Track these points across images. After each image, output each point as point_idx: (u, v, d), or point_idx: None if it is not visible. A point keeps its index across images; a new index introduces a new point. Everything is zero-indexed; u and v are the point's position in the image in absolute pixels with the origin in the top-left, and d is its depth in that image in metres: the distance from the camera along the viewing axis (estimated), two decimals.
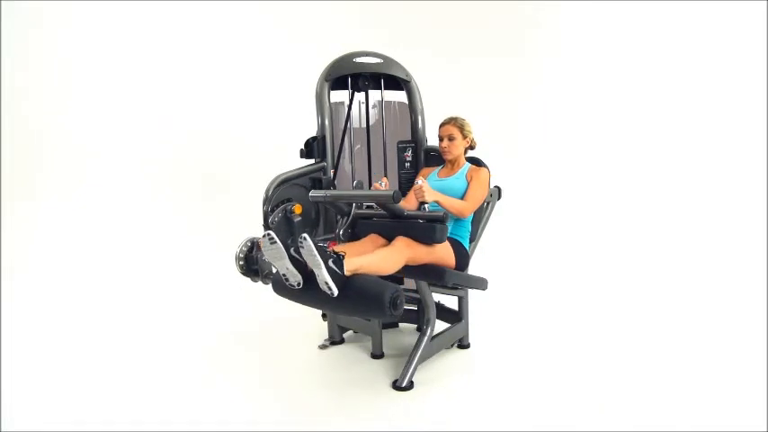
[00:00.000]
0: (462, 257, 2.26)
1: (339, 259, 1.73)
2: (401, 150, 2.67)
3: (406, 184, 2.65)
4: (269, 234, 1.71)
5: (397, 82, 2.67)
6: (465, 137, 2.38)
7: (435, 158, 2.60)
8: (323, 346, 2.60)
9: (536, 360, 2.39)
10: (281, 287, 1.89)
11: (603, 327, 2.80)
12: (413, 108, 2.69)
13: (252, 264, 2.00)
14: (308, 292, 1.79)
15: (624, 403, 1.97)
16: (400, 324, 2.85)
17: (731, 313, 2.95)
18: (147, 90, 4.37)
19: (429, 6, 4.46)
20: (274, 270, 1.89)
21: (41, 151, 4.30)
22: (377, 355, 2.45)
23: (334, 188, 2.48)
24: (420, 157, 2.69)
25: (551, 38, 4.50)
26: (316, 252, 1.66)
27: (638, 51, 4.37)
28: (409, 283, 2.54)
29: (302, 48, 4.35)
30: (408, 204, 2.31)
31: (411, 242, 2.00)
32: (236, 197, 4.02)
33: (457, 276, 2.20)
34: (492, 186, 2.45)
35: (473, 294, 2.53)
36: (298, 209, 2.18)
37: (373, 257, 1.87)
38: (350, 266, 1.76)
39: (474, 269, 2.44)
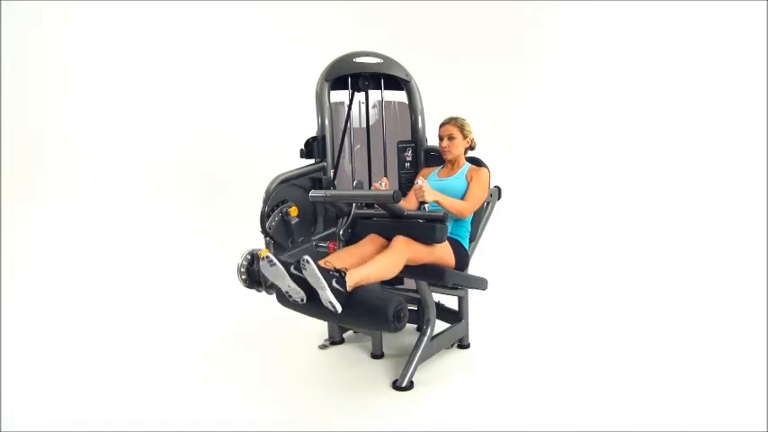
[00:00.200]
0: (462, 257, 2.26)
1: (342, 278, 1.73)
2: (401, 150, 2.67)
3: (406, 184, 2.65)
4: (268, 257, 1.70)
5: (397, 82, 2.67)
6: (465, 137, 2.38)
7: (435, 158, 2.60)
8: (323, 346, 2.60)
9: (536, 360, 2.39)
10: (285, 300, 1.89)
11: (603, 327, 2.80)
12: (413, 108, 2.69)
13: (254, 276, 1.99)
14: (312, 306, 1.79)
15: (624, 403, 1.97)
16: None
17: (731, 313, 2.95)
18: (146, 90, 4.37)
19: (429, 6, 4.46)
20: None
21: (41, 151, 4.30)
22: (377, 355, 2.45)
23: (334, 188, 2.48)
24: (420, 157, 2.69)
25: (551, 38, 4.50)
26: (319, 275, 1.66)
27: (638, 51, 4.37)
28: (409, 283, 2.53)
29: (302, 48, 4.35)
30: (408, 204, 2.31)
31: (410, 241, 2.00)
32: (236, 197, 4.02)
33: (457, 276, 2.20)
34: (492, 186, 2.45)
35: (473, 294, 2.53)
36: (294, 211, 2.17)
37: (373, 267, 1.86)
38: (352, 281, 1.76)
39: (474, 269, 2.44)
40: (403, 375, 2.15)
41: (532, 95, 4.51)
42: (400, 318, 1.75)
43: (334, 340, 2.64)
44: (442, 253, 2.14)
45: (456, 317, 2.52)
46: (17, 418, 1.98)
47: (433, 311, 2.31)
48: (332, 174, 2.52)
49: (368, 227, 2.16)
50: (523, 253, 4.09)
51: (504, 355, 2.45)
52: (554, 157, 4.46)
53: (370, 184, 2.68)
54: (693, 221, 4.15)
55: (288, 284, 1.74)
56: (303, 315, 1.99)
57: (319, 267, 1.68)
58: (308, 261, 1.65)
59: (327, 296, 1.68)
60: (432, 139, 2.65)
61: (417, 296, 2.41)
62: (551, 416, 1.90)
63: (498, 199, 2.54)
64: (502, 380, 2.20)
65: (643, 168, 4.36)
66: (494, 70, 4.42)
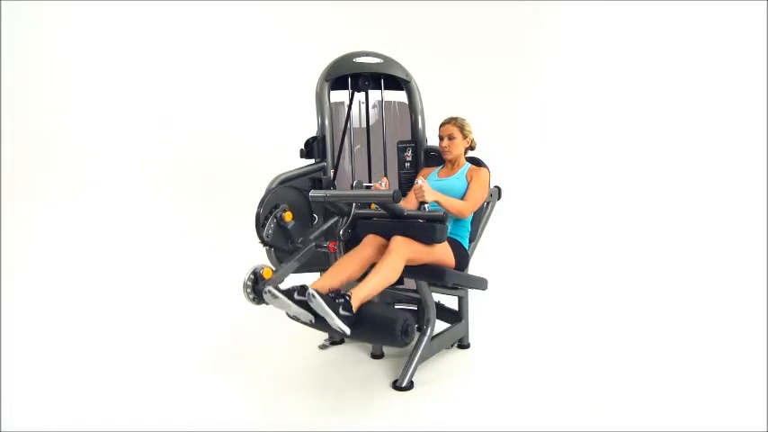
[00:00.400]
0: (462, 257, 2.26)
1: (347, 303, 1.77)
2: (401, 150, 2.67)
3: (406, 184, 2.65)
4: (270, 291, 1.77)
5: (397, 82, 2.67)
6: (465, 137, 2.39)
7: (435, 158, 2.60)
8: (323, 346, 2.60)
9: (536, 360, 2.39)
10: (295, 318, 1.93)
11: (603, 327, 2.80)
12: (413, 108, 2.69)
13: (261, 293, 2.01)
14: (321, 323, 1.83)
15: (624, 403, 1.97)
16: None
17: (731, 313, 2.95)
18: (147, 90, 4.38)
19: (429, 6, 4.46)
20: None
21: (41, 151, 4.30)
22: (377, 355, 2.45)
23: (335, 188, 2.48)
24: (420, 157, 2.69)
25: (551, 38, 4.50)
26: (326, 307, 1.71)
27: (638, 51, 4.37)
28: (409, 283, 2.53)
29: (302, 48, 4.35)
30: (408, 204, 2.31)
31: (408, 241, 2.00)
32: (236, 197, 4.00)
33: (457, 276, 2.20)
34: (492, 186, 2.45)
35: (473, 294, 2.53)
36: (288, 216, 2.17)
37: (375, 279, 1.88)
38: (357, 301, 1.80)
39: (474, 269, 2.44)
40: (403, 375, 2.14)
41: (532, 95, 4.51)
42: (407, 333, 1.80)
43: (334, 340, 2.64)
44: (442, 253, 2.14)
45: (456, 317, 2.52)
46: (17, 418, 1.98)
47: (433, 311, 2.31)
48: (332, 174, 2.52)
49: (368, 227, 2.16)
50: (523, 253, 4.10)
51: (504, 355, 2.45)
52: (554, 157, 4.46)
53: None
54: (693, 221, 4.16)
55: (294, 311, 1.80)
56: None
57: (324, 297, 1.72)
58: (313, 296, 1.70)
59: (336, 324, 1.73)
60: (432, 139, 2.65)
61: (417, 296, 2.41)
62: (551, 416, 1.90)
63: (498, 199, 2.54)
64: (502, 380, 2.20)
65: (643, 168, 4.36)
66: (494, 70, 4.42)
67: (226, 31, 4.45)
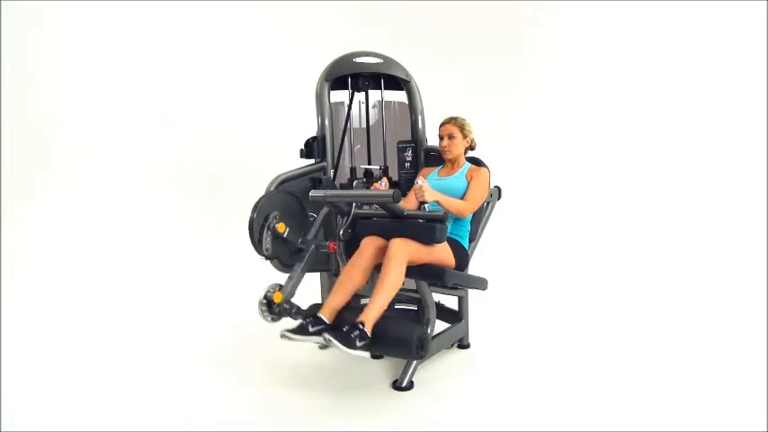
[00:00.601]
0: (462, 257, 2.26)
1: (362, 332, 1.82)
2: (401, 150, 2.67)
3: (406, 184, 2.65)
4: (285, 336, 1.89)
5: (397, 82, 2.67)
6: (465, 136, 2.38)
7: (435, 158, 2.60)
8: (323, 347, 2.58)
9: (536, 360, 2.39)
10: None
11: (603, 327, 2.80)
12: (413, 108, 2.69)
13: (277, 312, 2.11)
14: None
15: (624, 403, 1.97)
16: None
17: (731, 313, 2.95)
18: (147, 90, 4.37)
19: (429, 6, 4.46)
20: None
21: (41, 151, 4.30)
22: (377, 355, 2.45)
23: (335, 188, 2.48)
24: (420, 157, 2.69)
25: (551, 38, 4.50)
26: (343, 347, 1.78)
27: (638, 51, 4.37)
28: (409, 284, 2.53)
29: (302, 48, 4.35)
30: (408, 204, 2.30)
31: (407, 241, 2.00)
32: (236, 197, 4.00)
33: (457, 276, 2.20)
34: (492, 186, 2.45)
35: (473, 294, 2.53)
36: (281, 227, 2.16)
37: (383, 296, 1.91)
38: (370, 325, 1.86)
39: (474, 269, 2.44)
40: (403, 375, 2.14)
41: (532, 95, 4.51)
42: (423, 346, 1.89)
43: None
44: (442, 253, 2.14)
45: (456, 317, 2.52)
46: (17, 418, 1.98)
47: (432, 311, 2.31)
48: (332, 174, 2.51)
49: (368, 227, 2.16)
50: (523, 253, 4.09)
51: (504, 355, 2.45)
52: (554, 157, 4.45)
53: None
54: (693, 221, 4.15)
55: (313, 340, 1.89)
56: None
57: (339, 336, 1.79)
58: (329, 340, 1.78)
59: (356, 355, 1.83)
60: (432, 139, 2.65)
61: (417, 296, 2.41)
62: (551, 416, 1.90)
63: (498, 199, 2.54)
64: (502, 380, 2.20)
65: (643, 168, 4.36)
66: (494, 70, 4.42)
67: (226, 32, 4.44)
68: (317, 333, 1.87)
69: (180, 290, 3.66)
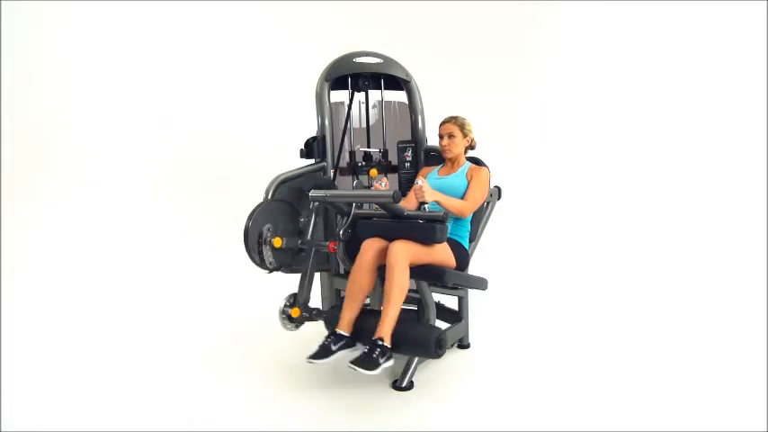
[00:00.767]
0: (462, 258, 2.26)
1: (384, 348, 1.89)
2: (401, 150, 2.67)
3: (406, 184, 2.65)
4: (310, 362, 1.95)
5: (397, 82, 2.67)
6: (465, 135, 2.38)
7: (435, 158, 2.60)
8: None
9: (536, 360, 2.39)
10: None
11: (603, 327, 2.80)
12: (413, 108, 2.69)
13: (297, 320, 2.24)
14: None
15: (624, 403, 1.97)
16: None
17: (731, 313, 2.95)
18: (147, 90, 4.38)
19: (429, 6, 4.46)
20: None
21: (41, 151, 4.30)
22: None
23: (335, 188, 2.48)
24: (420, 157, 2.69)
25: (551, 38, 4.50)
26: (369, 372, 1.85)
27: (638, 51, 4.37)
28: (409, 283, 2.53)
29: (302, 48, 4.35)
30: (408, 204, 2.30)
31: (407, 244, 2.01)
32: (236, 197, 4.01)
33: (457, 276, 2.20)
34: (492, 186, 2.45)
35: (473, 294, 2.53)
36: (277, 242, 2.17)
37: (394, 307, 1.96)
38: (388, 337, 1.93)
39: (474, 269, 2.44)
40: (403, 375, 2.14)
41: (532, 95, 4.51)
42: (441, 345, 1.98)
43: None
44: (442, 253, 2.14)
45: (456, 317, 2.51)
46: (17, 418, 1.98)
47: (432, 311, 2.30)
48: (332, 174, 2.51)
49: (368, 227, 2.16)
50: (523, 253, 4.10)
51: (504, 355, 2.45)
52: (554, 157, 4.46)
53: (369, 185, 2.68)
54: (693, 221, 4.16)
55: (337, 357, 2.00)
56: None
57: (362, 362, 1.85)
58: (354, 368, 1.85)
59: (381, 371, 1.88)
60: (432, 139, 2.65)
61: (417, 296, 2.41)
62: (551, 416, 1.90)
63: (498, 199, 2.54)
64: (502, 380, 2.20)
65: (643, 168, 4.36)
66: (494, 70, 4.42)
67: (226, 32, 4.44)
68: (340, 349, 1.99)
69: (180, 290, 3.66)
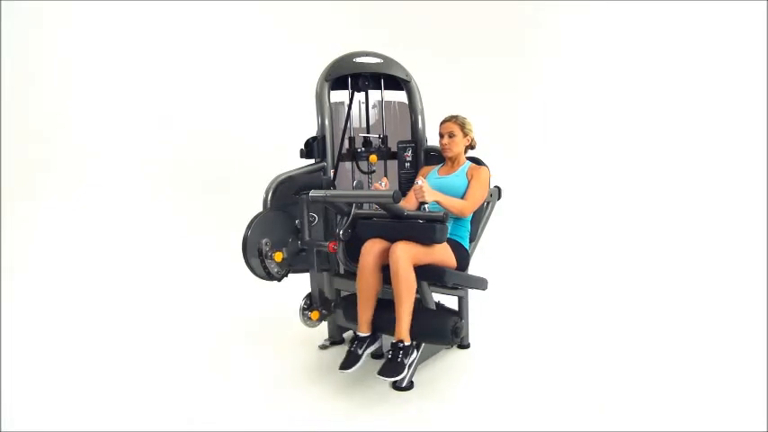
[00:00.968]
0: (463, 258, 2.26)
1: (406, 348, 1.98)
2: (401, 150, 2.67)
3: (406, 184, 2.65)
4: (343, 371, 2.01)
5: (397, 82, 2.67)
6: (465, 135, 2.38)
7: (435, 158, 2.60)
8: (323, 347, 2.60)
9: (536, 360, 2.39)
10: None
11: (603, 327, 2.80)
12: (413, 108, 2.69)
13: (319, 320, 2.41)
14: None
15: (624, 403, 1.97)
16: None
17: (731, 313, 2.95)
18: (147, 90, 4.38)
19: (429, 6, 4.46)
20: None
21: (41, 151, 4.30)
22: (377, 355, 2.45)
23: (334, 188, 2.48)
24: (420, 156, 2.69)
25: (551, 38, 4.50)
26: (396, 377, 1.94)
27: (638, 51, 4.37)
28: None
29: (302, 48, 4.35)
30: (408, 204, 2.30)
31: (407, 245, 2.01)
32: (236, 197, 4.02)
33: (457, 276, 2.20)
34: (492, 186, 2.45)
35: (473, 294, 2.53)
36: (278, 257, 2.19)
37: (406, 308, 2.00)
38: (407, 335, 2.01)
39: (474, 269, 2.44)
40: (403, 375, 2.14)
41: (532, 95, 4.51)
42: (457, 333, 2.09)
43: (335, 340, 2.63)
44: (442, 254, 2.14)
45: (456, 317, 2.51)
46: (17, 418, 1.98)
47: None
48: (332, 174, 2.51)
49: (368, 227, 2.16)
50: (523, 253, 4.10)
51: (504, 355, 2.45)
52: (554, 157, 4.46)
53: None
54: (693, 221, 4.16)
55: (364, 359, 2.08)
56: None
57: (386, 370, 1.93)
58: (383, 378, 1.93)
59: (405, 373, 1.98)
60: (432, 139, 2.65)
61: (417, 296, 2.40)
62: (551, 416, 1.90)
63: (498, 199, 2.54)
64: (502, 380, 2.20)
65: (643, 168, 4.37)
66: (494, 70, 4.42)
67: (226, 32, 4.45)
68: (365, 349, 2.08)
69: (180, 290, 3.66)
